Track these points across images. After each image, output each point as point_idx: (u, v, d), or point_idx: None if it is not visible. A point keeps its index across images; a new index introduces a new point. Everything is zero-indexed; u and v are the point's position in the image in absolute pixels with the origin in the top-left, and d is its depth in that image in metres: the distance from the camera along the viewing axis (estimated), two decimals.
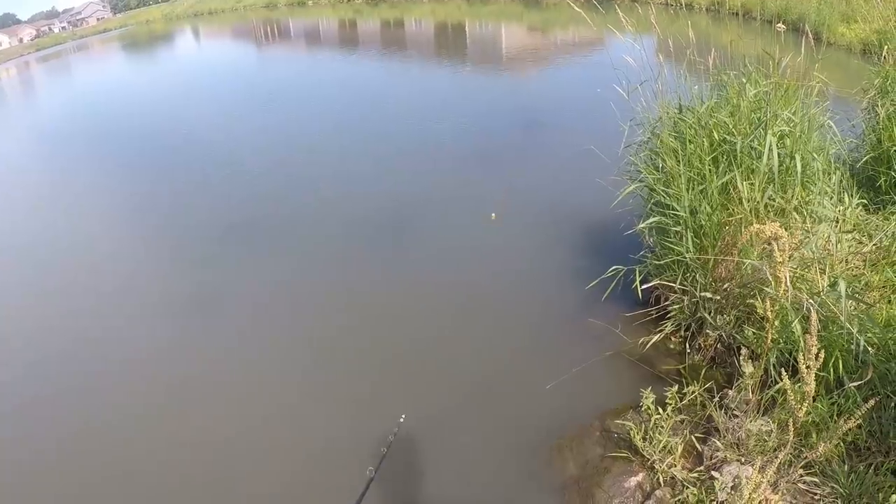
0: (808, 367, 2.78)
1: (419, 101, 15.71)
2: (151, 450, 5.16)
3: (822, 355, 2.78)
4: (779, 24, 5.00)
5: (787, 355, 3.76)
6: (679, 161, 4.94)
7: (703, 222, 4.78)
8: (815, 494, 3.33)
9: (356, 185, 10.34)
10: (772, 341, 3.48)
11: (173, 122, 17.13)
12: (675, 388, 4.31)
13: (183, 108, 18.70)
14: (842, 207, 5.04)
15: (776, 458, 3.05)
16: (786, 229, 3.20)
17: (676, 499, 3.69)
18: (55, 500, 4.85)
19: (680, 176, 4.87)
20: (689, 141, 5.00)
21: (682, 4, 6.33)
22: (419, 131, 13.05)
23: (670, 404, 4.20)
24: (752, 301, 4.26)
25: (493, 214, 7.48)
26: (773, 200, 4.53)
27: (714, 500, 3.46)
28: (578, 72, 16.70)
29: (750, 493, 3.13)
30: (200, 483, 4.77)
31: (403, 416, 4.02)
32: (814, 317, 2.78)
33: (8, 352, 6.97)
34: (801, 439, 3.40)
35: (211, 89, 22.14)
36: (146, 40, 44.57)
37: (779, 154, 4.38)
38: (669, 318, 5.20)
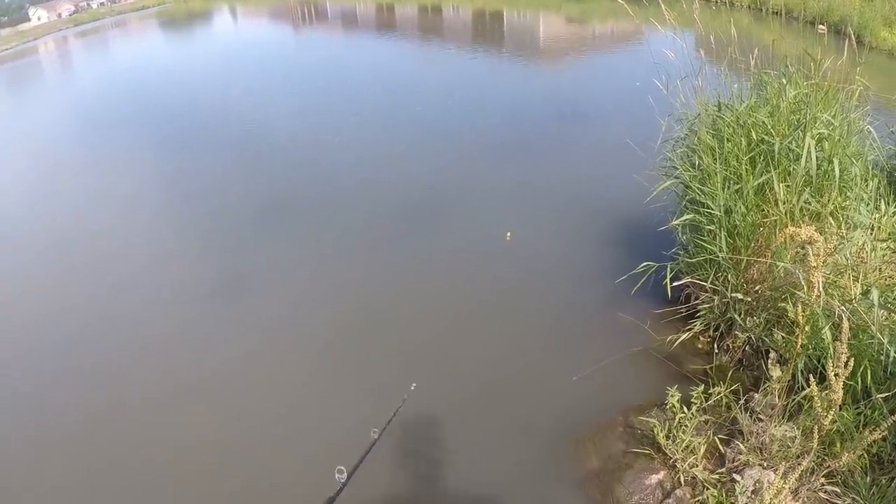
0: (836, 375, 2.77)
1: (455, 89, 15.65)
2: (171, 429, 5.27)
3: (850, 364, 2.76)
4: (820, 26, 4.92)
5: (815, 362, 3.73)
6: (716, 159, 4.90)
7: (738, 222, 4.74)
8: None
9: (388, 170, 10.38)
10: (801, 346, 3.45)
11: (209, 102, 17.28)
12: (701, 387, 4.30)
13: (219, 88, 18.84)
14: (878, 215, 4.95)
15: (799, 464, 3.05)
16: (820, 234, 3.18)
17: (696, 499, 3.70)
18: (71, 478, 4.94)
19: (716, 174, 4.83)
20: (727, 139, 4.95)
21: (724, 1, 6.24)
22: (454, 119, 13.02)
23: (695, 404, 4.20)
24: (783, 304, 4.22)
25: (508, 234, 7.23)
26: (809, 204, 4.47)
27: (734, 503, 3.46)
28: (616, 64, 16.52)
29: (770, 499, 3.13)
30: (215, 456, 4.90)
31: (414, 384, 3.86)
32: (845, 324, 2.77)
33: (33, 330, 7.07)
34: (824, 447, 3.39)
35: (248, 69, 22.25)
36: (184, 18, 44.84)
37: (816, 157, 4.32)
38: (699, 317, 5.18)
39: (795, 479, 3.16)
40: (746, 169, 4.73)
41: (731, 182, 4.81)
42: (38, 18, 50.13)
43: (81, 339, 6.74)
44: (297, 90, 17.43)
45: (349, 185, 9.94)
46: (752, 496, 3.37)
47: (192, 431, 5.22)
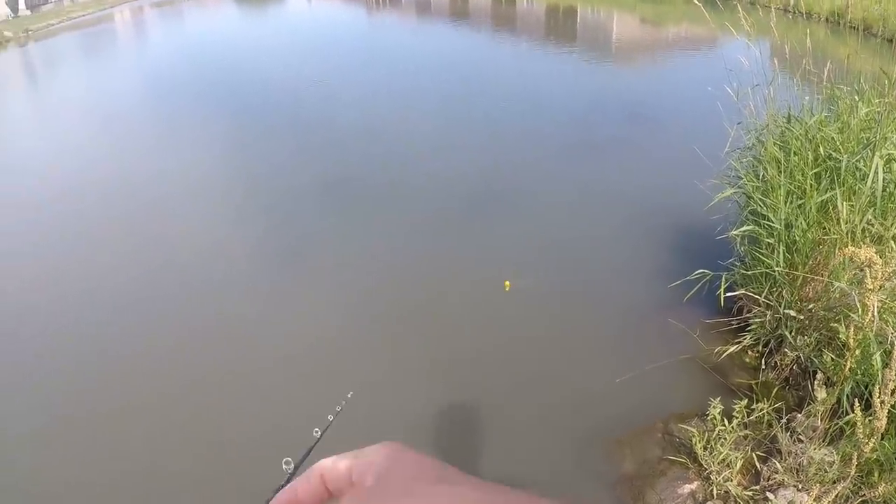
0: (881, 402, 2.72)
1: (525, 84, 15.58)
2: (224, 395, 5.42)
3: None
4: None
5: (862, 387, 3.65)
6: (781, 172, 4.83)
7: (798, 237, 4.67)
8: None
9: (451, 161, 10.41)
10: (849, 370, 3.40)
11: (281, 81, 17.55)
12: (745, 402, 4.24)
13: (293, 68, 19.13)
14: None
15: (834, 489, 3.00)
16: (881, 257, 3.11)
17: None
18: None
19: (780, 187, 4.76)
20: (794, 152, 4.87)
21: (801, 11, 6.10)
22: (522, 114, 12.93)
23: (737, 418, 4.16)
24: (835, 325, 4.14)
25: (507, 283, 6.56)
26: (872, 225, 4.36)
27: None
28: (688, 68, 16.17)
29: None
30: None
31: (351, 392, 3.67)
32: None
33: (83, 295, 7.17)
34: (862, 476, 3.32)
35: (321, 49, 22.55)
36: None
37: (883, 178, 4.21)
38: (749, 330, 5.11)
39: None
40: (811, 184, 4.64)
41: (795, 196, 4.73)
42: None
43: (112, 311, 6.84)
44: (369, 74, 17.59)
45: (408, 174, 10.04)
46: None
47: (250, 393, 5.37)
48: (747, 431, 4.18)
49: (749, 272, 5.05)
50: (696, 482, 3.99)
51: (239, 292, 7.04)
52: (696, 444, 4.15)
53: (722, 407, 4.21)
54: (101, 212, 9.55)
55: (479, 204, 8.63)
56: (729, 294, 5.01)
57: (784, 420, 4.08)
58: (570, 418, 4.85)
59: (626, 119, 12.08)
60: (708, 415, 4.27)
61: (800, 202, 4.68)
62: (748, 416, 4.23)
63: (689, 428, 4.33)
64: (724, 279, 5.04)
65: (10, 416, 5.32)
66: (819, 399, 3.65)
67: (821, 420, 3.63)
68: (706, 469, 4.00)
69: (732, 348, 5.06)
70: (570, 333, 5.92)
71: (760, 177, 5.16)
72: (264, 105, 15.12)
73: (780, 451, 3.86)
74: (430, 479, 0.56)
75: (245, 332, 6.32)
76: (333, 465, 0.62)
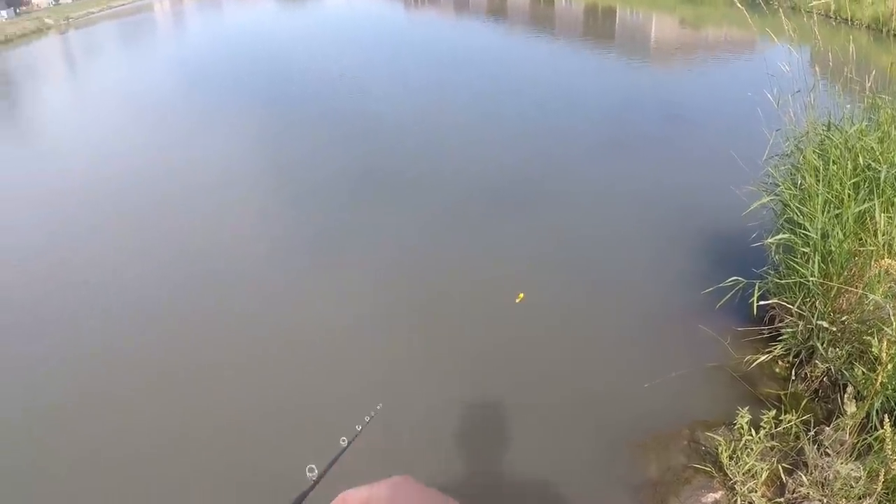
0: None
1: (560, 82, 15.53)
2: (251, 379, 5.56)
3: None
4: None
5: (893, 403, 3.60)
6: (819, 180, 4.75)
7: (833, 248, 4.59)
8: None
9: (483, 156, 10.47)
10: (880, 384, 3.35)
11: (317, 73, 17.70)
12: (773, 413, 4.19)
13: (330, 60, 19.26)
14: None
15: None
16: None
17: None
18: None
19: (817, 196, 4.68)
20: (833, 161, 4.79)
21: (843, 18, 6.00)
22: (557, 112, 12.92)
23: (764, 428, 4.10)
24: (868, 338, 4.07)
25: (521, 294, 6.41)
26: None
27: None
28: (727, 72, 15.92)
29: None
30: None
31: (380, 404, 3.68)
32: None
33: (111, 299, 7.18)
34: (888, 493, 3.27)
35: (358, 43, 22.69)
36: None
37: None
38: (780, 340, 5.04)
39: None
40: (849, 194, 4.56)
41: (832, 206, 4.66)
42: None
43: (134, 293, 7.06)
44: (404, 68, 17.68)
45: (439, 167, 10.11)
46: None
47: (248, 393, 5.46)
48: (774, 442, 4.13)
49: (783, 281, 4.99)
50: (720, 492, 3.96)
51: (257, 285, 7.16)
52: (721, 453, 4.11)
53: (749, 416, 4.17)
54: (134, 199, 9.81)
55: (508, 201, 8.65)
56: (761, 303, 4.93)
57: (812, 433, 4.03)
58: (596, 422, 4.84)
59: (662, 120, 11.98)
60: (735, 424, 4.23)
61: (837, 212, 4.61)
62: (776, 427, 4.18)
63: (715, 436, 4.31)
64: (757, 287, 4.97)
65: (20, 405, 5.50)
66: (848, 413, 3.60)
67: (849, 434, 3.58)
68: (731, 479, 3.97)
69: (762, 358, 4.99)
70: (599, 336, 5.91)
71: (798, 185, 5.08)
72: (301, 95, 15.32)
73: (806, 464, 3.82)
74: None
75: (266, 324, 6.44)
76: (353, 497, 0.67)
